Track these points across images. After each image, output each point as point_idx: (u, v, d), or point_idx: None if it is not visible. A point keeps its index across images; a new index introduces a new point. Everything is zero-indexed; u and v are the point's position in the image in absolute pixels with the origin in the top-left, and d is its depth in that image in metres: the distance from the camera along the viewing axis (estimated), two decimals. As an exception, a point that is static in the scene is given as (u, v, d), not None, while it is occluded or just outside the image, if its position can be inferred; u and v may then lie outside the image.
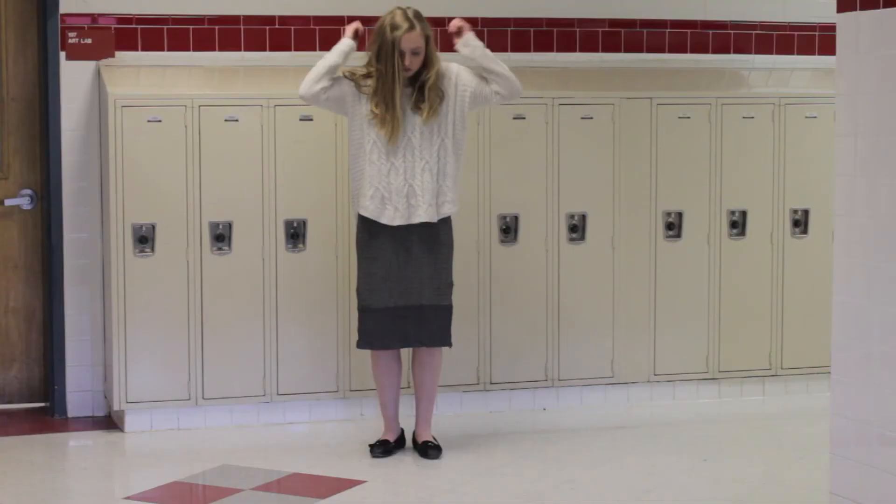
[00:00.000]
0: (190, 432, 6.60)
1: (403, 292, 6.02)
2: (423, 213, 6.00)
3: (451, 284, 6.13)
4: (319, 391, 6.75)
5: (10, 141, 6.94)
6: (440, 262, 6.07)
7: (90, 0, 6.81)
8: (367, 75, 5.98)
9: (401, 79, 5.91)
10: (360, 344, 6.14)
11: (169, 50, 6.90)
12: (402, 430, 6.27)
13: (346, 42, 6.05)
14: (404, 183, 5.98)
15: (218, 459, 6.12)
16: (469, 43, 6.07)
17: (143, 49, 6.86)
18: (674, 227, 7.14)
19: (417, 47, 5.92)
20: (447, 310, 6.11)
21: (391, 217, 6.00)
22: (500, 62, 6.07)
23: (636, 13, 7.48)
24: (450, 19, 6.18)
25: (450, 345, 6.19)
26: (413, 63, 5.93)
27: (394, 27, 5.91)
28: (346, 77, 6.02)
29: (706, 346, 7.22)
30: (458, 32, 6.08)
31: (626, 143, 7.05)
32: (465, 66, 6.09)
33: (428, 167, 5.99)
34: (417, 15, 5.97)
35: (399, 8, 5.98)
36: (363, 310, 6.09)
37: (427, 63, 5.95)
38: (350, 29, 6.11)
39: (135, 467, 6.21)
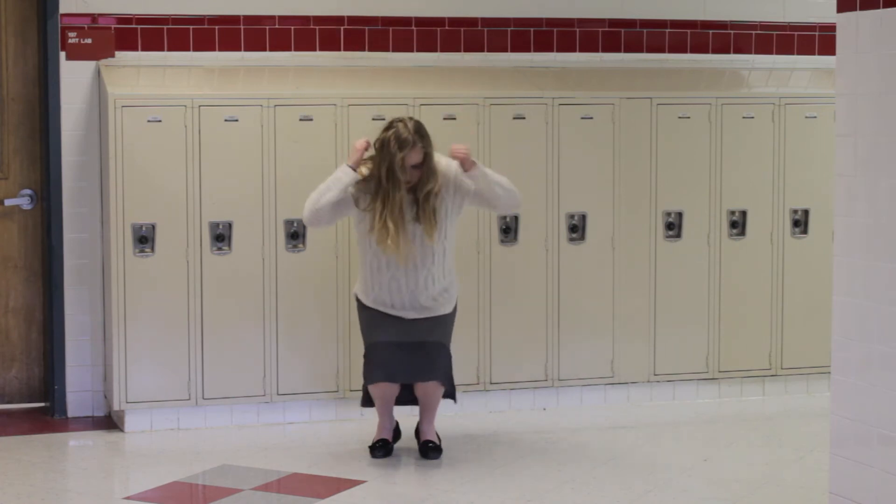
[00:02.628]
0: (190, 432, 6.60)
1: (404, 335, 6.03)
2: (427, 313, 6.02)
3: (446, 344, 6.11)
4: (319, 391, 6.75)
5: (10, 141, 6.93)
6: (441, 327, 6.08)
7: (90, 0, 6.81)
8: (367, 179, 5.96)
9: (403, 193, 5.87)
10: (366, 379, 6.11)
11: (169, 50, 6.90)
12: (397, 422, 6.26)
13: (348, 174, 5.95)
14: (407, 293, 5.99)
15: (218, 459, 6.12)
16: (475, 176, 5.99)
17: (143, 49, 6.86)
18: (674, 227, 7.14)
19: (417, 162, 5.92)
20: (444, 350, 6.08)
21: (397, 313, 6.02)
22: (502, 179, 6.03)
23: (636, 13, 7.48)
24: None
25: (454, 398, 6.21)
26: (412, 176, 5.92)
27: (397, 141, 5.87)
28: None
29: (706, 346, 7.21)
30: (464, 163, 6.00)
31: (626, 143, 7.05)
32: None
33: (430, 275, 6.00)
34: (419, 129, 5.94)
35: (400, 121, 5.96)
36: (367, 347, 6.10)
37: (426, 176, 5.94)
38: (357, 152, 5.98)
39: (135, 467, 6.20)
